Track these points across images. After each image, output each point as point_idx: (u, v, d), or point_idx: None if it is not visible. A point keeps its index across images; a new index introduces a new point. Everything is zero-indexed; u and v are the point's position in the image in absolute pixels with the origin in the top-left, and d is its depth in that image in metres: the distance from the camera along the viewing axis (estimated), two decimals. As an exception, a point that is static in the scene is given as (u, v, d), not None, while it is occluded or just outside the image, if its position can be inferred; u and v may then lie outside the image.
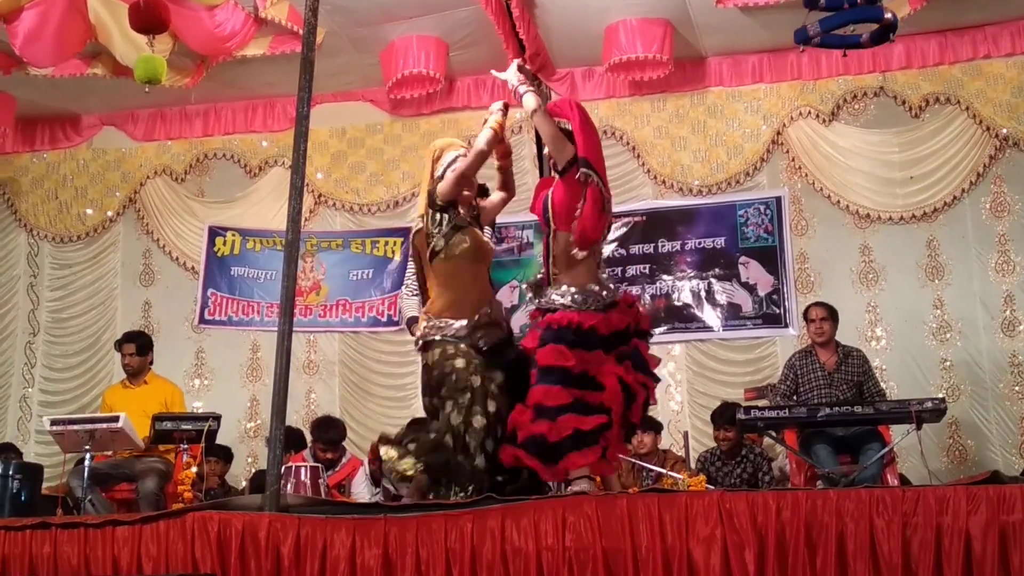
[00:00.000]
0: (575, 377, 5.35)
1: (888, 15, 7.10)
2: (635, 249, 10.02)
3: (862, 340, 9.31)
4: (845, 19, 7.14)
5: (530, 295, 5.92)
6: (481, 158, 5.74)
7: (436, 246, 5.72)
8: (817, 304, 8.30)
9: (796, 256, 9.81)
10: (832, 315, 8.09)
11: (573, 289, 5.52)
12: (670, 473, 7.53)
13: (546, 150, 5.94)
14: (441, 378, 5.67)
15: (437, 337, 5.74)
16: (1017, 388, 9.25)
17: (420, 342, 5.84)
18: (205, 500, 6.97)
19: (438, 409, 5.66)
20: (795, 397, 7.97)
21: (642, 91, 10.17)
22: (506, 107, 5.90)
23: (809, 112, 9.94)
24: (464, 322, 5.70)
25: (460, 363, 5.60)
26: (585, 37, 9.61)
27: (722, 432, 8.45)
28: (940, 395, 8.69)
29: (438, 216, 5.74)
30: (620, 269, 9.91)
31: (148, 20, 7.90)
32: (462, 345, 5.66)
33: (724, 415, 8.34)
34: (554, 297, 5.55)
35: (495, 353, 5.74)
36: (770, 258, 9.79)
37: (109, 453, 7.76)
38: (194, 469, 7.04)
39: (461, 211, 5.81)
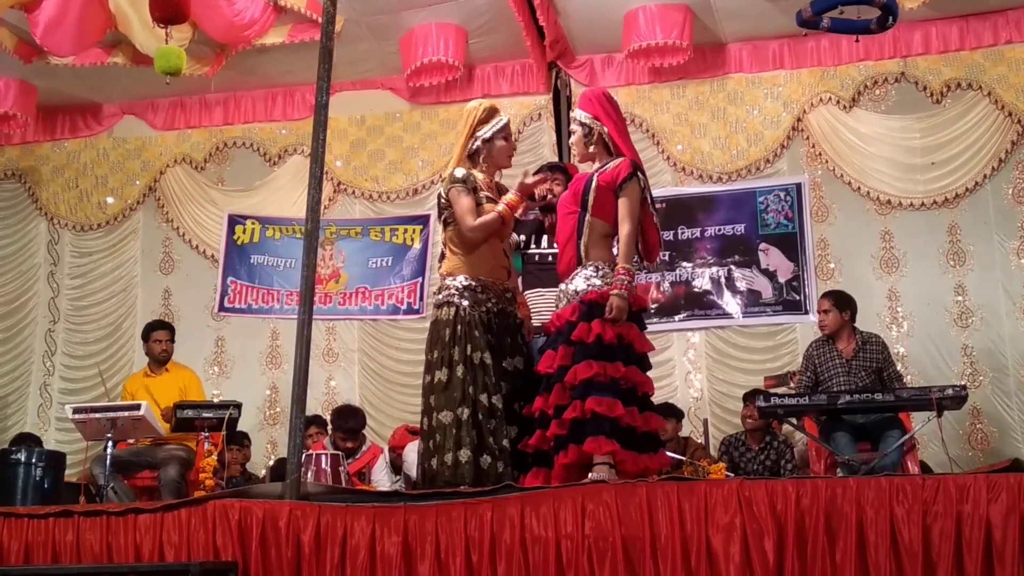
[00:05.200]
0: (606, 347, 5.37)
1: None
2: (655, 236, 9.98)
3: (883, 327, 9.28)
4: (834, 0, 7.12)
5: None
6: (466, 230, 5.72)
7: (448, 218, 5.80)
8: (823, 295, 8.23)
9: (816, 242, 9.77)
10: (838, 305, 7.94)
11: (606, 267, 5.56)
12: (691, 460, 7.53)
13: (570, 139, 5.94)
14: (430, 344, 5.75)
15: (440, 296, 5.78)
16: (1040, 374, 9.21)
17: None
18: (227, 488, 7.00)
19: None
20: (816, 387, 7.94)
21: (662, 78, 10.13)
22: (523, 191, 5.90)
23: (830, 98, 9.89)
24: (473, 279, 5.73)
25: (449, 330, 5.66)
26: (605, 23, 9.59)
27: (749, 409, 8.43)
28: (961, 382, 8.67)
29: (447, 200, 5.82)
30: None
31: (169, 12, 7.93)
32: (452, 310, 5.68)
33: (756, 394, 8.30)
34: (588, 278, 5.56)
35: (505, 335, 5.77)
36: (790, 245, 9.76)
37: (131, 441, 7.81)
38: (215, 457, 7.06)
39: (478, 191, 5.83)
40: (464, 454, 5.42)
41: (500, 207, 5.77)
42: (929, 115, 9.70)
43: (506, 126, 5.94)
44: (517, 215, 5.99)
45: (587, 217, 5.63)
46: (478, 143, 5.85)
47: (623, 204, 5.58)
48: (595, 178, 5.66)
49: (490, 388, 5.59)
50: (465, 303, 5.68)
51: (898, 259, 9.64)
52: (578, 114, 5.86)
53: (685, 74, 10.07)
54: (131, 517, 5.33)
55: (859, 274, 9.65)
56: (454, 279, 5.73)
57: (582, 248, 5.63)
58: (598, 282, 5.51)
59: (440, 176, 8.96)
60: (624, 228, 5.56)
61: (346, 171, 10.79)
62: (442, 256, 5.98)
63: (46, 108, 11.02)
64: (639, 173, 5.65)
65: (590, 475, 5.21)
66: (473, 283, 5.72)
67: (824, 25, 7.29)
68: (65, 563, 5.32)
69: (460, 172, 5.77)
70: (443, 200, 5.82)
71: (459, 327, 5.63)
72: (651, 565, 4.60)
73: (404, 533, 4.90)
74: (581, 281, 5.57)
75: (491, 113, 5.92)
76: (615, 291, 5.42)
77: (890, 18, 7.26)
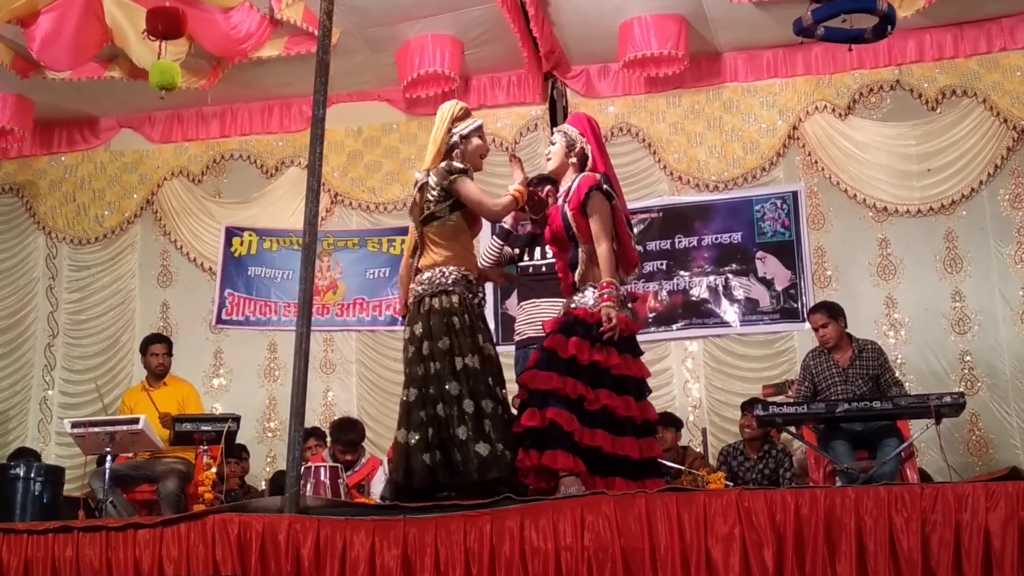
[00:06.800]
0: (577, 367, 5.40)
1: (883, 6, 7.04)
2: (652, 245, 10.00)
3: (880, 334, 9.29)
4: (836, 9, 7.07)
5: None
6: (491, 213, 5.81)
7: (437, 212, 5.73)
8: (814, 311, 8.17)
9: (813, 250, 9.79)
10: (832, 315, 7.96)
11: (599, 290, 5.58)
12: (690, 470, 7.53)
13: (550, 149, 5.96)
14: (430, 332, 5.66)
15: (432, 286, 5.69)
16: (1037, 380, 9.21)
17: (413, 302, 5.77)
18: (226, 501, 7.00)
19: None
20: (815, 397, 7.93)
21: (657, 87, 10.16)
22: (526, 180, 5.97)
23: (825, 106, 9.91)
24: (466, 269, 5.73)
25: (456, 319, 5.62)
26: (600, 34, 9.62)
27: (747, 419, 8.43)
28: (959, 389, 8.67)
29: (444, 192, 5.73)
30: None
31: (166, 27, 7.97)
32: (455, 298, 5.64)
33: (755, 403, 8.29)
34: (582, 297, 5.59)
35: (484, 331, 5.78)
36: (787, 253, 9.77)
37: (130, 455, 7.80)
38: (214, 470, 7.06)
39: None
40: (499, 447, 5.40)
41: (511, 190, 5.82)
42: (924, 122, 9.73)
43: (481, 127, 5.96)
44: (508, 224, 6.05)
45: (579, 248, 5.65)
46: (455, 138, 5.84)
47: (594, 223, 5.57)
48: (566, 209, 5.68)
49: (502, 382, 5.64)
50: (466, 293, 5.67)
51: (895, 266, 9.65)
52: (565, 127, 5.95)
53: (680, 83, 10.09)
54: (130, 532, 5.32)
55: (856, 281, 9.67)
56: (447, 268, 5.70)
57: (578, 276, 5.66)
58: (590, 301, 5.54)
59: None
60: (601, 246, 5.55)
61: (343, 182, 10.80)
62: (415, 251, 5.92)
63: (43, 122, 11.03)
64: (602, 187, 5.64)
65: (560, 489, 5.24)
66: (468, 274, 5.73)
67: (819, 34, 7.26)
68: (65, 578, 5.33)
69: (458, 164, 5.77)
70: (436, 193, 5.72)
71: (466, 315, 5.60)
72: (651, 576, 4.60)
73: (404, 546, 4.90)
74: (576, 300, 5.62)
75: (467, 112, 5.97)
76: (604, 304, 5.44)
77: (888, 27, 7.21)
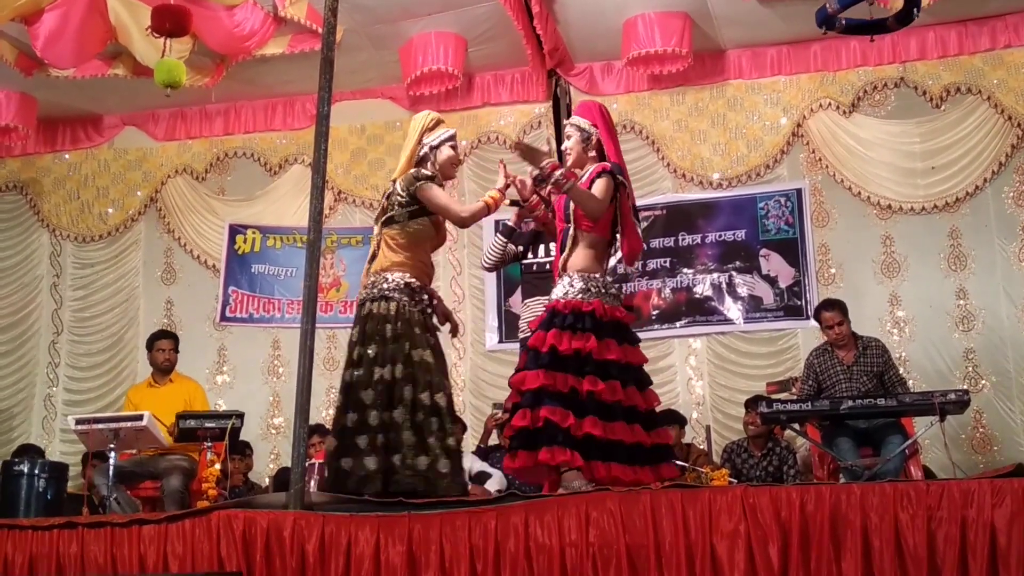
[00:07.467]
0: (561, 358, 5.42)
1: None
2: (656, 243, 9.99)
3: (884, 331, 9.30)
4: None
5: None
6: (458, 219, 5.87)
7: (396, 216, 5.77)
8: (826, 308, 8.11)
9: (817, 248, 9.78)
10: (844, 312, 7.98)
11: (576, 277, 5.61)
12: (694, 467, 7.53)
13: (566, 144, 5.94)
14: (363, 338, 5.69)
15: (374, 290, 5.72)
16: (1042, 377, 9.20)
17: (357, 306, 5.81)
18: (230, 498, 7.00)
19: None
20: (819, 395, 7.92)
21: (661, 85, 10.15)
22: (507, 186, 5.97)
23: (829, 104, 9.89)
24: (411, 277, 5.74)
25: (395, 327, 5.63)
26: (604, 31, 9.61)
27: (751, 416, 8.41)
28: (963, 386, 8.66)
29: (409, 198, 5.76)
30: (641, 263, 9.89)
31: (172, 25, 7.98)
32: (392, 305, 5.66)
33: (759, 400, 8.28)
34: (560, 288, 5.62)
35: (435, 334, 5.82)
36: (791, 250, 9.77)
37: (134, 451, 7.81)
38: (218, 466, 7.06)
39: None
40: (397, 458, 5.42)
41: (486, 197, 5.86)
42: (929, 119, 9.71)
43: (453, 136, 6.00)
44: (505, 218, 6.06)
45: (571, 231, 5.67)
46: (425, 149, 5.88)
47: (595, 188, 5.61)
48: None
49: (433, 387, 5.59)
50: (404, 299, 5.68)
51: (899, 263, 9.65)
52: (577, 120, 5.93)
53: (684, 81, 10.07)
54: (135, 528, 5.31)
55: (860, 279, 9.66)
56: (391, 274, 5.72)
57: (561, 262, 5.70)
58: (565, 291, 5.57)
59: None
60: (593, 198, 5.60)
61: (346, 180, 10.81)
62: (373, 256, 5.94)
63: (47, 120, 11.03)
64: (614, 173, 5.65)
65: (562, 486, 5.24)
66: (412, 282, 5.74)
67: (840, 25, 7.14)
68: (69, 575, 5.32)
69: (426, 171, 5.80)
70: (401, 197, 5.76)
71: (399, 323, 5.62)
72: (656, 573, 4.59)
73: (408, 542, 4.90)
74: (555, 290, 5.66)
75: (439, 123, 5.99)
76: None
77: (915, 9, 7.06)
